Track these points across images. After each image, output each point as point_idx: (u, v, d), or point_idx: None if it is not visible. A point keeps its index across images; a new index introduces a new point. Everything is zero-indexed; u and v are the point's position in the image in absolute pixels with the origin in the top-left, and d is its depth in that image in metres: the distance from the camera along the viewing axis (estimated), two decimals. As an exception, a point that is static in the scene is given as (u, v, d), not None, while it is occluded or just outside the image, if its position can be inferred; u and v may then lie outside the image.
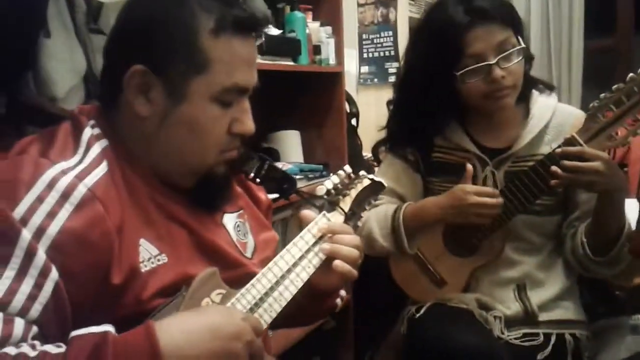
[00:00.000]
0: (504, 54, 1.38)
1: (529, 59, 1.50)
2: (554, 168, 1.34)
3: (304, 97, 2.30)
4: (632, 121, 1.32)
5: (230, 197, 1.04)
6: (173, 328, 0.78)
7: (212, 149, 0.93)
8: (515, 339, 1.44)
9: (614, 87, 1.33)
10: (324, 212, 1.04)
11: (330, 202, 1.06)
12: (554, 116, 1.49)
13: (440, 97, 1.46)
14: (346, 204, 1.08)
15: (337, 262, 0.99)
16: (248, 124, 0.94)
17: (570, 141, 1.35)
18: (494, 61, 1.37)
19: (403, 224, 1.52)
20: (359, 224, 1.11)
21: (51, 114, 1.26)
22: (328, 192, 1.06)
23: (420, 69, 1.48)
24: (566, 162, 1.33)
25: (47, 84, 1.26)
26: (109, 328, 0.77)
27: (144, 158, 0.92)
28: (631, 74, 1.31)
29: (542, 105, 1.50)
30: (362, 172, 1.13)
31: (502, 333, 1.45)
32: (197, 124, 0.90)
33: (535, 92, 1.52)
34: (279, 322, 1.12)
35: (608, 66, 3.47)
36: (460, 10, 1.38)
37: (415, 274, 1.58)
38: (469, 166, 1.44)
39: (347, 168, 1.10)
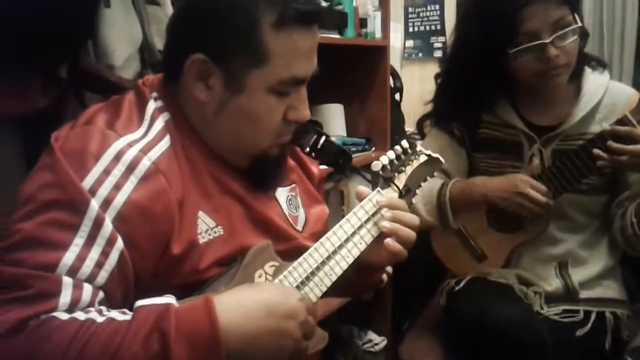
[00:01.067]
0: (560, 32, 1.35)
1: (584, 36, 1.47)
2: (596, 151, 1.33)
3: (348, 71, 2.30)
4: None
5: (283, 175, 1.05)
6: (231, 303, 0.81)
7: (267, 135, 0.95)
8: (555, 314, 1.45)
9: None
10: (378, 188, 1.03)
11: (385, 179, 1.04)
12: (606, 94, 1.46)
13: (491, 73, 1.45)
14: (401, 180, 1.06)
15: (389, 241, 0.98)
16: (304, 112, 0.95)
17: (622, 121, 1.33)
18: (549, 40, 1.35)
19: (449, 201, 1.52)
20: (414, 201, 1.09)
21: (109, 81, 1.31)
22: (384, 167, 1.04)
23: (471, 45, 1.46)
24: (612, 144, 1.32)
25: (106, 53, 1.30)
26: (171, 300, 0.80)
27: (203, 134, 0.95)
28: None
29: (595, 82, 1.47)
30: (419, 148, 1.11)
31: (542, 308, 1.46)
32: (254, 113, 0.92)
33: (587, 69, 1.50)
34: (327, 292, 1.15)
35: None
36: None
37: (456, 248, 1.59)
38: (536, 161, 1.43)
39: (405, 143, 1.08)
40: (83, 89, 1.31)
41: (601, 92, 1.46)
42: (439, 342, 1.56)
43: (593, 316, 1.44)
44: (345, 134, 2.28)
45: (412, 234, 1.00)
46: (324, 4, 1.01)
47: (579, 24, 1.38)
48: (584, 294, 1.48)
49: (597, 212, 1.52)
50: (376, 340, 2.24)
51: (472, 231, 1.57)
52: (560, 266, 1.50)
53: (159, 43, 1.38)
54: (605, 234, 1.53)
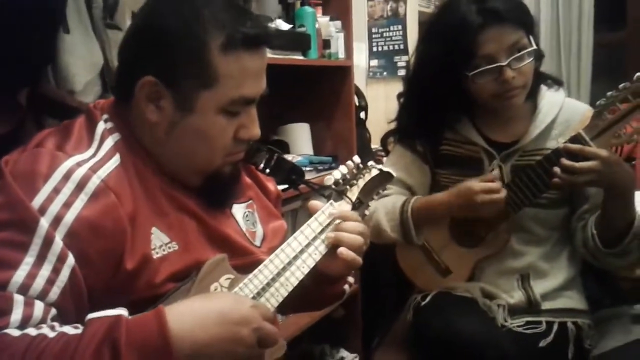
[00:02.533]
0: (516, 55, 1.38)
1: (539, 57, 1.51)
2: (554, 169, 1.37)
3: (313, 91, 2.34)
4: (639, 119, 1.34)
5: (237, 192, 1.07)
6: (182, 312, 0.82)
7: (218, 154, 0.97)
8: (518, 326, 1.47)
9: (621, 85, 1.34)
10: (331, 201, 1.07)
11: (338, 192, 1.08)
12: (561, 111, 1.50)
13: (450, 94, 1.48)
14: (353, 193, 1.10)
15: (342, 249, 1.01)
16: (254, 130, 0.97)
17: (576, 138, 1.37)
18: (505, 63, 1.38)
19: (411, 216, 1.54)
20: (367, 212, 1.13)
21: (69, 106, 1.31)
22: (336, 182, 1.08)
23: (431, 67, 1.49)
24: (564, 162, 1.35)
25: (66, 78, 1.31)
26: (122, 311, 0.81)
27: (155, 154, 0.96)
28: (638, 73, 1.32)
29: (550, 100, 1.51)
30: (370, 163, 1.15)
31: (505, 321, 1.48)
32: (205, 133, 0.94)
33: (543, 87, 1.53)
34: (290, 307, 1.16)
35: (618, 61, 3.46)
36: (473, 10, 1.38)
37: (421, 263, 1.61)
38: (495, 173, 1.46)
39: (356, 158, 1.12)
40: (43, 114, 1.31)
41: (556, 109, 1.50)
42: (407, 357, 1.57)
43: (555, 327, 1.46)
44: (312, 153, 2.31)
45: (358, 239, 1.03)
46: (271, 27, 1.04)
47: (534, 46, 1.42)
48: (546, 305, 1.50)
49: (557, 225, 1.55)
50: (348, 358, 2.26)
51: (436, 246, 1.59)
52: (522, 279, 1.53)
53: (120, 67, 1.38)
54: (565, 246, 1.56)
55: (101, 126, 0.94)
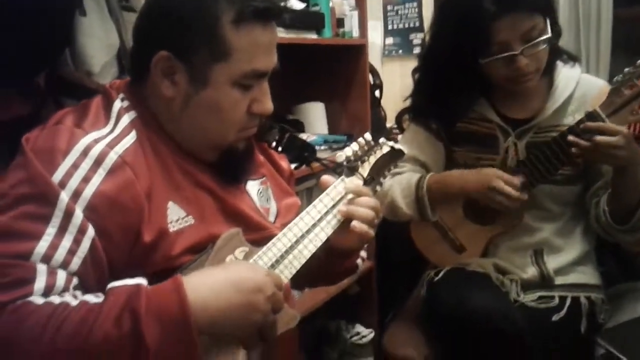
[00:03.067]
0: (530, 43, 1.37)
1: (557, 34, 1.49)
2: (572, 138, 1.36)
3: (328, 70, 2.34)
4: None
5: (251, 168, 1.09)
6: (199, 281, 0.85)
7: (232, 128, 0.99)
8: (531, 301, 1.49)
9: (626, 69, 1.33)
10: (342, 176, 1.08)
11: (350, 168, 1.09)
12: (577, 87, 1.50)
13: (464, 75, 1.48)
14: (365, 170, 1.11)
15: (354, 223, 1.03)
16: (267, 105, 0.99)
17: (592, 115, 1.36)
18: (518, 51, 1.37)
19: (427, 193, 1.56)
20: (378, 188, 1.14)
21: (87, 87, 1.33)
22: (347, 159, 1.09)
23: (444, 49, 1.49)
24: (585, 138, 1.34)
25: (84, 60, 1.33)
26: (142, 281, 0.84)
27: (170, 131, 0.99)
28: None
29: (566, 76, 1.51)
30: (381, 140, 1.16)
31: (518, 296, 1.49)
32: (218, 107, 0.96)
33: (559, 63, 1.53)
34: (304, 281, 1.18)
35: (638, 36, 3.40)
36: None
37: (435, 240, 1.63)
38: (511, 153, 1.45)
39: (367, 135, 1.13)
40: (62, 96, 1.33)
41: (572, 85, 1.49)
42: (420, 332, 1.60)
43: (568, 301, 1.48)
44: (327, 132, 2.31)
45: (370, 213, 1.04)
46: (281, 2, 1.05)
47: (549, 34, 1.39)
48: (559, 280, 1.51)
49: (571, 202, 1.55)
50: (364, 333, 2.28)
51: (451, 223, 1.61)
52: (536, 254, 1.54)
53: (136, 48, 1.40)
54: (579, 222, 1.57)
55: (117, 104, 0.97)
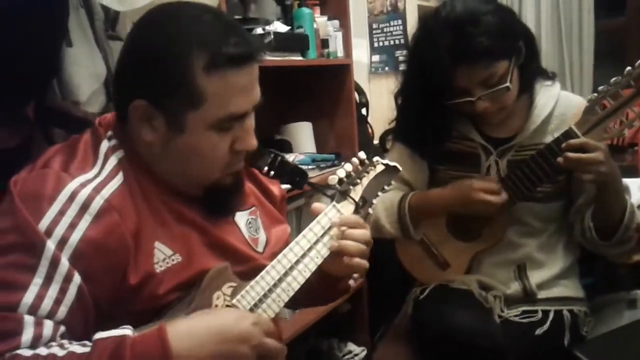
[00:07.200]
0: (488, 91, 1.41)
1: (535, 55, 1.53)
2: (559, 159, 1.39)
3: (314, 90, 2.37)
4: (628, 114, 1.37)
5: (240, 200, 1.09)
6: (184, 330, 0.86)
7: (215, 169, 0.99)
8: (515, 316, 1.51)
9: (612, 79, 1.36)
10: (333, 202, 1.06)
11: (341, 192, 1.07)
12: (556, 105, 1.52)
13: (438, 109, 1.51)
14: (357, 192, 1.09)
15: (345, 259, 1.02)
16: (250, 142, 0.98)
17: (569, 133, 1.40)
18: (476, 97, 1.41)
19: (409, 212, 1.58)
20: (370, 211, 1.11)
21: (75, 117, 1.36)
22: (340, 181, 1.07)
23: (415, 89, 1.54)
24: (569, 154, 1.37)
25: (71, 89, 1.35)
26: (127, 331, 0.85)
27: (156, 170, 0.99)
28: (628, 68, 1.34)
29: (545, 95, 1.53)
30: (375, 158, 1.13)
31: (502, 311, 1.52)
32: (198, 151, 0.95)
33: (539, 82, 1.55)
34: (297, 303, 1.17)
35: (619, 47, 3.46)
36: (445, 45, 1.38)
37: (420, 258, 1.65)
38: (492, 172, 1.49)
39: (361, 154, 1.10)
40: (50, 125, 1.35)
41: (551, 104, 1.52)
42: (409, 350, 1.61)
43: (551, 315, 1.50)
44: (315, 151, 2.34)
45: (361, 247, 1.04)
46: (259, 40, 1.05)
47: (508, 82, 1.40)
48: (541, 294, 1.54)
49: (552, 218, 1.58)
50: (356, 351, 2.29)
51: (435, 241, 1.63)
52: (519, 269, 1.56)
53: (123, 77, 1.43)
54: (560, 237, 1.60)
55: (105, 145, 0.97)
